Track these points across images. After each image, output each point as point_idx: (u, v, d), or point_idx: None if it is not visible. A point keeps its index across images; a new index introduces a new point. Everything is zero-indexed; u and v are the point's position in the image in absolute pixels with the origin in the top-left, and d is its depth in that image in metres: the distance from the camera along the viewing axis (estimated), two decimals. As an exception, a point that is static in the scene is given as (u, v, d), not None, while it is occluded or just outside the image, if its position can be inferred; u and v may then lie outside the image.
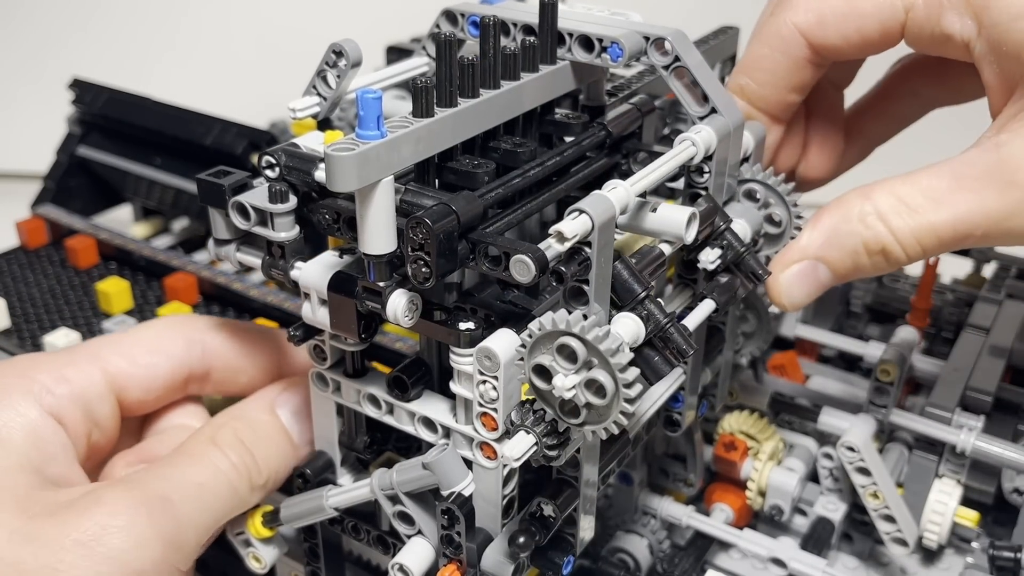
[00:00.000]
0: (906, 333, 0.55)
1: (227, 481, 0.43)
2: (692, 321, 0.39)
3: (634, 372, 0.33)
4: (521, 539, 0.39)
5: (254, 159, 0.72)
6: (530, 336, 0.34)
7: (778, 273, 0.42)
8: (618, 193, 0.35)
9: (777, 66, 0.45)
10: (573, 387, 0.33)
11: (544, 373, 0.34)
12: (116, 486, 0.40)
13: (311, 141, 0.40)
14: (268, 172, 0.39)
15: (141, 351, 0.46)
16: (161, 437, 0.47)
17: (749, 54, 0.46)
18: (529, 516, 0.40)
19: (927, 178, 0.39)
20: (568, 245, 0.33)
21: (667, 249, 0.39)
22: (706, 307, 0.41)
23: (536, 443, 0.35)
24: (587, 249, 0.34)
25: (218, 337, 0.48)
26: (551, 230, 0.33)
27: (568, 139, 0.44)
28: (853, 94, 0.54)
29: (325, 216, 0.38)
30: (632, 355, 0.33)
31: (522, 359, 0.35)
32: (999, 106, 0.40)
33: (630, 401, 0.33)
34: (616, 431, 0.34)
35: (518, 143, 0.41)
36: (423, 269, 0.35)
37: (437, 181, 0.39)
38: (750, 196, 0.45)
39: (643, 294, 0.35)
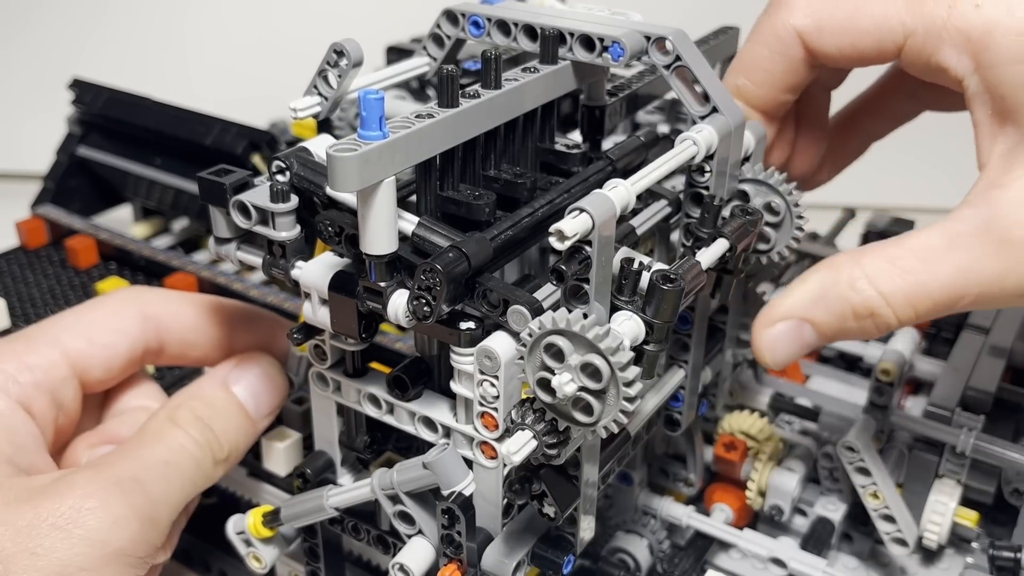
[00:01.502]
0: (906, 333, 0.55)
1: (191, 457, 0.44)
2: (705, 258, 0.39)
3: (634, 371, 0.33)
4: (516, 486, 0.38)
5: (255, 159, 0.72)
6: (530, 335, 0.34)
7: (762, 329, 0.41)
8: (618, 192, 0.35)
9: (774, 66, 0.45)
10: (571, 382, 0.33)
11: (555, 350, 0.34)
12: (86, 470, 0.41)
13: (320, 145, 0.40)
14: (278, 176, 0.39)
15: (99, 331, 0.47)
16: (122, 418, 0.48)
17: (746, 54, 0.46)
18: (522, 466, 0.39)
19: (919, 239, 0.39)
20: (568, 244, 0.33)
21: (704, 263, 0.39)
22: (719, 246, 0.40)
23: (536, 441, 0.35)
24: (587, 248, 0.34)
25: (171, 311, 0.49)
26: (551, 228, 0.33)
27: (564, 167, 0.44)
28: (842, 96, 0.54)
29: (328, 228, 0.38)
30: (632, 354, 0.33)
31: (522, 358, 0.35)
32: (986, 148, 0.40)
33: (630, 400, 0.33)
34: (616, 430, 0.34)
35: (518, 173, 0.41)
36: (425, 308, 0.35)
37: (439, 212, 0.40)
38: (743, 195, 0.45)
39: (668, 323, 0.35)
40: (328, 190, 0.38)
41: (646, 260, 0.36)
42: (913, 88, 0.51)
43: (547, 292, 0.37)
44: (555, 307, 0.36)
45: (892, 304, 0.38)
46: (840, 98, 0.53)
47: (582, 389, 0.33)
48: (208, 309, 0.50)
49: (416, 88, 0.67)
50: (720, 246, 0.40)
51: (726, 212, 0.43)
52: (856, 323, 0.40)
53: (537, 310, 0.35)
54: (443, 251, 0.35)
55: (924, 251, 0.38)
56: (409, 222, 0.37)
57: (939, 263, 0.38)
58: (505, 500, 0.40)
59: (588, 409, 0.34)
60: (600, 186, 0.43)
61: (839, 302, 0.39)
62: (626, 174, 0.44)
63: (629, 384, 0.33)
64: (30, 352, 0.45)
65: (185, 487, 0.44)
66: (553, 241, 0.33)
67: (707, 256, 0.39)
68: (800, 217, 0.45)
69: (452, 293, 0.35)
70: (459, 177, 0.40)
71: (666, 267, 0.36)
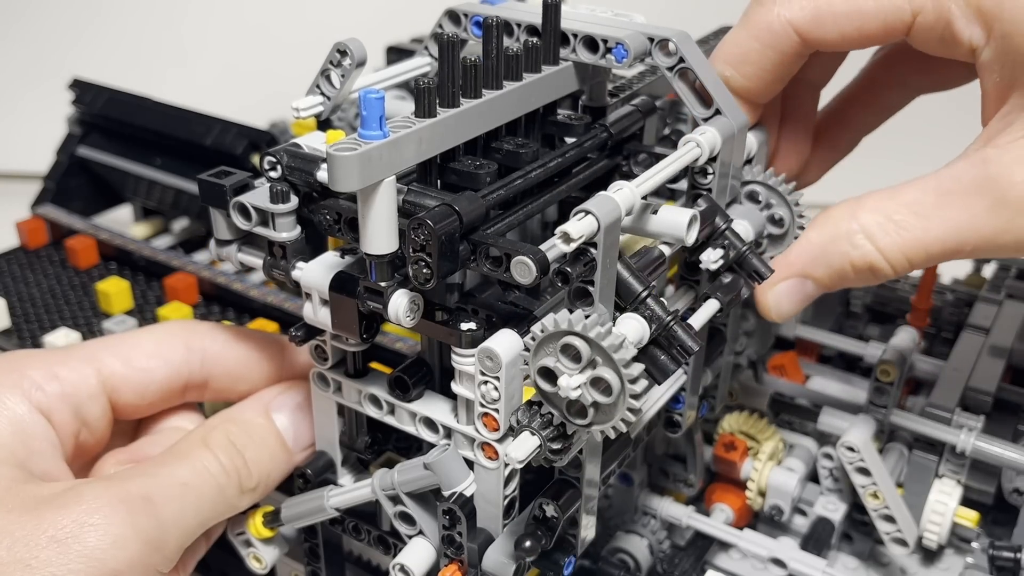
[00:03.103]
0: (906, 333, 0.55)
1: (214, 482, 0.42)
2: (697, 320, 0.39)
3: (638, 368, 0.33)
4: (527, 543, 0.39)
5: (254, 159, 0.72)
6: (533, 339, 0.34)
7: (766, 288, 0.43)
8: (624, 194, 0.35)
9: (765, 60, 0.44)
10: (579, 387, 0.34)
11: (549, 375, 0.34)
12: (97, 483, 0.40)
13: (313, 141, 0.40)
14: (270, 172, 0.39)
15: (139, 355, 0.45)
16: (154, 438, 0.47)
17: (735, 45, 0.45)
18: (534, 519, 0.40)
19: (913, 192, 0.40)
20: (574, 246, 0.33)
21: (667, 250, 0.39)
22: (710, 307, 0.41)
23: (540, 444, 0.35)
24: (593, 250, 0.34)
25: (219, 344, 0.47)
26: (557, 231, 0.33)
27: (570, 140, 0.44)
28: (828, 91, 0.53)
29: (326, 216, 0.38)
30: (636, 351, 0.33)
31: (526, 363, 0.35)
32: (990, 112, 0.40)
33: (635, 397, 0.33)
34: (624, 429, 0.34)
35: (520, 143, 0.41)
36: (424, 270, 0.35)
37: (439, 181, 0.40)
38: (752, 198, 0.45)
39: (644, 293, 0.35)
40: (319, 176, 0.38)
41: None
42: (905, 76, 0.50)
43: (549, 245, 0.37)
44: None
45: (888, 258, 0.40)
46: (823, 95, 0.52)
47: (593, 379, 0.33)
48: (257, 342, 0.48)
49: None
50: (711, 307, 0.41)
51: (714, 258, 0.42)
52: (855, 276, 0.41)
53: (541, 260, 0.34)
54: (432, 207, 0.35)
55: (918, 206, 0.39)
56: (399, 191, 0.37)
57: (933, 219, 0.39)
58: (506, 500, 0.40)
59: (607, 389, 0.34)
60: (595, 151, 0.43)
61: (838, 257, 0.41)
62: (622, 141, 0.45)
63: (634, 381, 0.33)
64: (62, 364, 0.44)
65: (202, 513, 0.42)
66: (559, 243, 0.33)
67: (699, 318, 0.40)
68: (801, 216, 0.45)
69: (448, 252, 0.35)
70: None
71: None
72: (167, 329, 0.47)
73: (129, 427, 0.48)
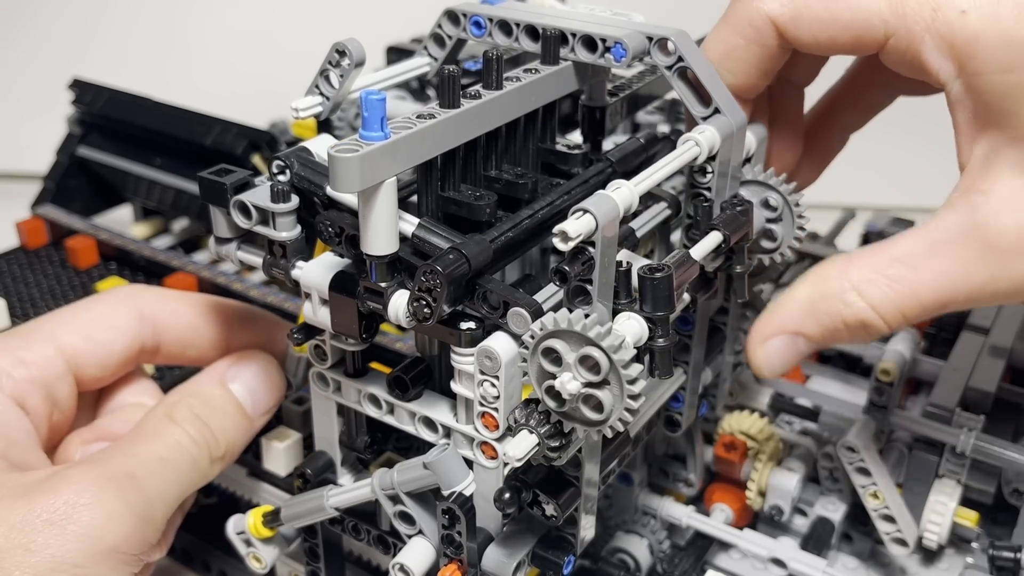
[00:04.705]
0: (906, 333, 0.55)
1: (188, 455, 0.44)
2: (698, 251, 0.39)
3: (638, 369, 0.33)
4: (506, 495, 0.38)
5: (254, 159, 0.72)
6: (532, 337, 0.34)
7: (756, 346, 0.42)
8: (622, 193, 0.35)
9: (750, 55, 0.44)
10: (574, 393, 0.33)
11: (553, 357, 0.34)
12: (81, 465, 0.41)
13: (321, 145, 0.40)
14: (279, 176, 0.39)
15: (95, 328, 0.47)
16: (117, 415, 0.48)
17: (720, 43, 0.44)
18: (507, 478, 0.39)
19: (903, 245, 0.39)
20: (572, 245, 0.33)
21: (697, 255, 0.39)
22: (712, 239, 0.41)
23: (538, 442, 0.35)
24: (591, 249, 0.34)
25: (168, 311, 0.48)
26: (555, 229, 0.33)
27: (574, 171, 0.44)
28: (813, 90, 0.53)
29: (328, 228, 0.38)
30: (635, 352, 0.33)
31: (525, 360, 0.35)
32: (967, 150, 0.40)
33: (633, 397, 0.33)
34: (621, 428, 0.34)
35: (519, 174, 0.41)
36: (425, 309, 0.35)
37: (441, 213, 0.40)
38: (767, 205, 0.45)
39: (667, 313, 0.36)
40: (328, 190, 0.38)
41: (634, 258, 0.37)
42: (888, 78, 0.50)
43: (548, 294, 0.37)
44: (555, 308, 0.36)
45: (882, 314, 0.39)
46: (811, 93, 0.52)
47: (587, 395, 0.33)
48: (206, 308, 0.49)
49: (416, 88, 0.67)
50: (713, 239, 0.40)
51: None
52: (848, 333, 0.40)
53: (537, 312, 0.35)
54: (444, 252, 0.35)
55: (909, 258, 0.39)
56: (409, 223, 0.37)
57: (925, 271, 0.39)
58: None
59: (599, 407, 0.34)
60: (600, 187, 0.43)
61: (830, 316, 0.40)
62: (626, 175, 0.45)
63: (633, 382, 0.33)
64: (25, 348, 0.45)
65: (181, 484, 0.43)
66: (557, 242, 0.33)
67: (699, 250, 0.39)
68: (801, 217, 0.45)
69: (452, 294, 0.35)
70: (460, 177, 0.40)
71: (652, 262, 0.36)
72: (117, 298, 0.48)
73: (89, 400, 0.49)
